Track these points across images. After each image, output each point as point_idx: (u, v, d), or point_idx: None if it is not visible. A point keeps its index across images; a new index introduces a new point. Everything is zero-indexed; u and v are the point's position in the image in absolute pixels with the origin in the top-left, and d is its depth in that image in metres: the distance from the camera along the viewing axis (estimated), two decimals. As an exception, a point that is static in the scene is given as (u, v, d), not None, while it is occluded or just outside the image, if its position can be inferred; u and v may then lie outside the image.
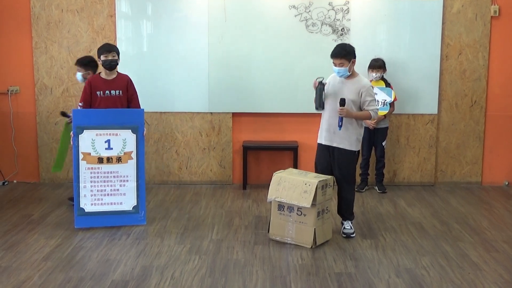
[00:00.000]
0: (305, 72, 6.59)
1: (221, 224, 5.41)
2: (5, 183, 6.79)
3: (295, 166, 6.62)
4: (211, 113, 6.75)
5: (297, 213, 4.78)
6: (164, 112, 6.75)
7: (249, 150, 6.72)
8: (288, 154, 6.77)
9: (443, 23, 6.60)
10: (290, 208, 4.81)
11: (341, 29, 6.57)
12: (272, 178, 4.93)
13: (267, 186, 6.71)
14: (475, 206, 6.03)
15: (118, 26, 6.61)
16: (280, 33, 6.61)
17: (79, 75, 5.73)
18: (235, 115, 6.80)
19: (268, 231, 5.00)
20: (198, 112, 6.75)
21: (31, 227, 5.25)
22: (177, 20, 6.61)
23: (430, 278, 4.18)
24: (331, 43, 6.56)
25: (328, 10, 6.55)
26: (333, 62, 4.89)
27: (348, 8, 6.54)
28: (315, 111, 5.07)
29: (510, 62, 6.69)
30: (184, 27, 6.61)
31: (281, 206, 4.86)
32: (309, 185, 4.71)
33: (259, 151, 6.86)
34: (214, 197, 6.33)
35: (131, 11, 6.63)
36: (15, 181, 6.89)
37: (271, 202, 4.93)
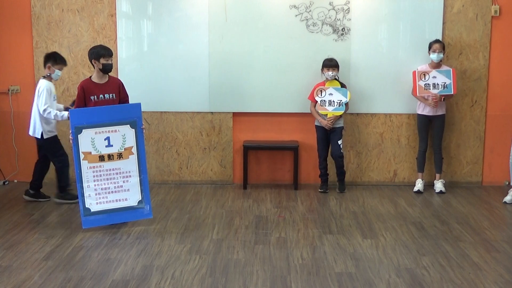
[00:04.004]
0: (306, 72, 6.59)
1: (222, 223, 5.41)
2: (6, 183, 6.79)
3: (296, 165, 6.63)
4: (212, 112, 6.75)
5: None
6: (164, 112, 6.75)
7: (249, 150, 6.71)
8: (289, 153, 6.77)
9: (443, 23, 6.60)
10: None
11: (342, 29, 6.57)
12: None
13: (267, 185, 6.77)
14: (475, 206, 6.03)
15: (119, 25, 6.61)
16: (280, 32, 6.61)
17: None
18: (235, 114, 6.80)
19: None
20: (198, 112, 6.75)
21: (32, 227, 5.26)
22: (177, 19, 6.61)
23: (431, 278, 4.18)
24: (332, 43, 6.58)
25: (329, 10, 6.55)
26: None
27: (349, 8, 6.54)
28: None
29: (511, 62, 6.68)
30: (184, 27, 6.61)
31: None
32: None
33: (259, 151, 6.85)
34: (215, 197, 6.33)
35: (131, 10, 6.63)
36: (15, 181, 6.89)
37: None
